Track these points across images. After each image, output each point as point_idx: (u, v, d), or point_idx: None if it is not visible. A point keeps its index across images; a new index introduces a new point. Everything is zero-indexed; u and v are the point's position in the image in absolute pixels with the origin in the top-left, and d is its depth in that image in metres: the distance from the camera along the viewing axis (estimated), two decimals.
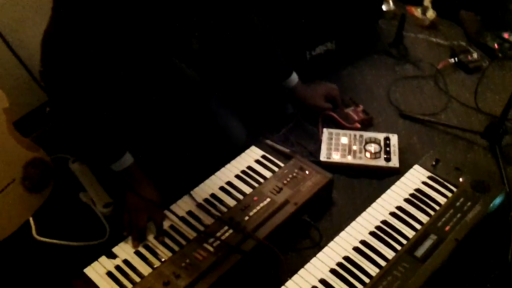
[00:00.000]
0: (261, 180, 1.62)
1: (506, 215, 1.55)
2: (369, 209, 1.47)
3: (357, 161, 1.78)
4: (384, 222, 1.44)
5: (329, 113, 1.94)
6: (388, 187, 1.60)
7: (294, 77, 1.91)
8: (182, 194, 1.58)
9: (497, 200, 1.48)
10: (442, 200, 1.50)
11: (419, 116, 2.07)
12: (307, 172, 1.64)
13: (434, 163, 1.62)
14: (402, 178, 1.57)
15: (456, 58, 2.38)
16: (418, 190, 1.54)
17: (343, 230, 1.43)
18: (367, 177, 1.78)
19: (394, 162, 1.78)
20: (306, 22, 1.99)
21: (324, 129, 1.90)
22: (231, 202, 1.54)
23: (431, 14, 2.64)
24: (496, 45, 2.45)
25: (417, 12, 2.64)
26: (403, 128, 2.02)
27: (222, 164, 1.68)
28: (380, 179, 1.78)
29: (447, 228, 1.41)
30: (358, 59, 2.38)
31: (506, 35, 2.52)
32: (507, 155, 1.87)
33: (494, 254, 1.47)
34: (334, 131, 1.90)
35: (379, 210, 1.47)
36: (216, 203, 1.54)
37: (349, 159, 1.79)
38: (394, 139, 1.86)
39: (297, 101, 1.94)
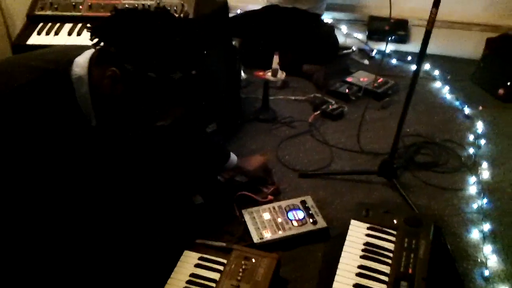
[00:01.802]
0: (212, 284, 1.52)
1: (439, 240, 1.70)
2: (337, 278, 1.48)
3: (288, 233, 1.79)
4: (356, 285, 1.46)
5: (242, 192, 1.93)
6: (321, 249, 1.69)
7: (232, 159, 1.93)
8: None
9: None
10: (390, 246, 1.59)
11: (317, 172, 2.17)
12: (253, 260, 1.58)
13: (365, 213, 1.70)
14: (348, 237, 1.62)
15: (320, 110, 2.57)
16: (366, 243, 1.60)
17: None
18: (301, 244, 1.79)
19: (321, 222, 1.83)
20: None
21: (243, 211, 1.88)
22: None
23: (281, 74, 2.83)
24: (347, 89, 2.73)
25: (268, 75, 2.80)
26: (307, 187, 2.10)
27: None
28: (314, 243, 1.80)
29: (410, 270, 1.48)
30: (237, 132, 2.42)
31: (349, 79, 2.83)
32: (403, 185, 2.06)
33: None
34: (253, 210, 1.89)
35: (346, 275, 1.49)
36: None
37: (281, 233, 1.79)
38: (309, 200, 1.93)
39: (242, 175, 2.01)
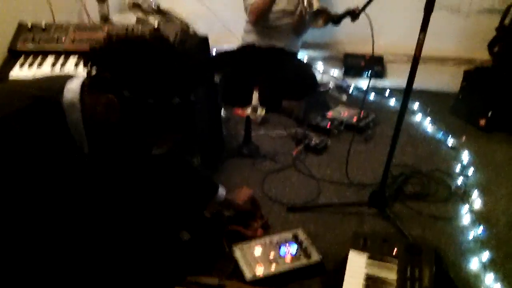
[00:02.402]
0: None
1: (441, 268, 1.64)
2: None
3: (282, 268, 1.69)
4: None
5: (233, 227, 1.84)
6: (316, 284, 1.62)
7: (221, 192, 1.85)
8: None
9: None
10: (393, 276, 1.51)
11: (305, 205, 2.10)
12: None
13: (363, 242, 1.63)
14: (348, 268, 1.54)
15: (303, 144, 2.53)
16: (368, 275, 1.52)
17: None
18: (295, 280, 1.69)
19: (315, 256, 1.74)
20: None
21: (233, 247, 1.77)
22: None
23: (260, 112, 2.80)
24: (328, 124, 2.70)
25: (248, 111, 2.76)
26: (297, 221, 2.02)
27: None
28: (308, 278, 1.71)
29: None
30: (220, 167, 2.34)
31: (329, 114, 2.81)
32: (394, 215, 2.01)
33: None
34: (243, 245, 1.79)
35: None
36: None
37: (273, 269, 1.69)
38: (301, 233, 1.84)
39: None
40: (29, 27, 2.05)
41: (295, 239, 1.81)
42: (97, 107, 1.16)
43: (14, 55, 2.01)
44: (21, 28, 2.05)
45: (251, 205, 1.93)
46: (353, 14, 1.96)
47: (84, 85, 1.20)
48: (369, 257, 1.58)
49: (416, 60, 1.72)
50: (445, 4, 3.29)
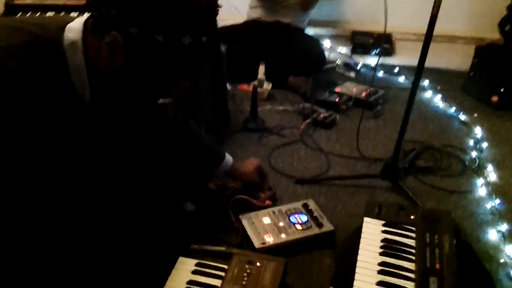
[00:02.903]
0: None
1: (460, 236, 1.57)
2: (357, 276, 1.31)
3: (292, 237, 1.62)
4: (380, 283, 1.29)
5: (240, 196, 1.77)
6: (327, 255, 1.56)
7: (227, 161, 1.78)
8: None
9: None
10: (411, 242, 1.44)
11: (315, 178, 2.03)
12: (258, 264, 1.41)
13: (377, 210, 1.56)
14: (363, 235, 1.47)
15: (310, 119, 2.45)
16: (385, 240, 1.45)
17: None
18: (306, 250, 1.62)
19: (327, 225, 1.68)
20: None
21: (240, 216, 1.70)
22: None
23: (266, 86, 2.72)
24: (337, 99, 2.62)
25: (253, 84, 2.67)
26: (306, 194, 1.95)
27: None
28: (319, 249, 1.64)
29: (437, 265, 1.33)
30: (225, 142, 2.27)
31: (337, 90, 2.74)
32: (408, 188, 1.94)
33: None
34: (251, 214, 1.72)
35: (367, 273, 1.32)
36: None
37: (284, 237, 1.62)
38: (312, 204, 1.78)
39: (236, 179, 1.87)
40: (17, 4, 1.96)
41: (305, 208, 1.75)
42: (102, 48, 1.07)
43: (11, 11, 1.92)
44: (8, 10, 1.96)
45: (258, 176, 1.86)
46: None
47: (87, 24, 1.10)
48: (385, 224, 1.50)
49: (433, 19, 1.63)
50: None
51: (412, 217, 1.53)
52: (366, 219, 1.53)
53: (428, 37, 1.69)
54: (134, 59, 1.07)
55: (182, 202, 1.78)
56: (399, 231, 1.48)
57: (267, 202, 1.82)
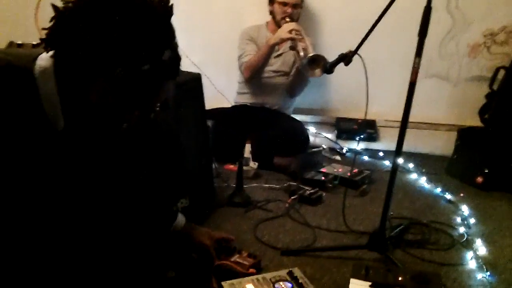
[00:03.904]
0: None
1: None
2: None
3: None
4: None
5: (223, 262, 1.71)
6: None
7: (181, 218, 1.72)
8: None
9: None
10: None
11: (301, 249, 1.99)
12: None
13: (364, 272, 1.51)
14: None
15: (297, 195, 2.45)
16: None
17: None
18: None
19: None
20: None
21: (223, 283, 1.64)
22: None
23: (252, 165, 2.74)
24: (322, 177, 2.64)
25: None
26: (291, 264, 1.89)
27: None
28: None
29: None
30: (209, 215, 2.24)
31: (323, 170, 2.77)
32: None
33: None
34: (234, 281, 1.66)
35: None
36: None
37: None
38: (297, 272, 1.72)
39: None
40: (19, 43, 2.03)
41: (291, 276, 1.69)
42: (91, 93, 1.09)
43: None
44: (11, 46, 2.03)
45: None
46: (346, 58, 1.98)
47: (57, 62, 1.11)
48: (372, 285, 1.45)
49: (412, 86, 1.71)
50: (434, 73, 3.38)
51: (400, 278, 1.48)
52: (352, 280, 1.48)
53: (405, 119, 1.74)
54: (122, 93, 1.09)
55: (164, 270, 1.71)
56: None
57: (251, 270, 1.76)
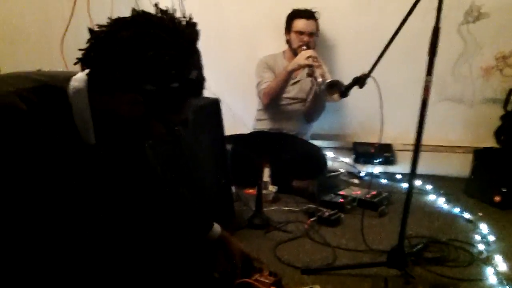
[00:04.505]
0: None
1: None
2: None
3: None
4: None
5: (245, 280, 1.75)
6: None
7: (216, 226, 1.77)
8: None
9: None
10: None
11: (321, 267, 2.03)
12: None
13: (384, 285, 1.55)
14: None
15: (316, 216, 2.50)
16: None
17: None
18: None
19: None
20: None
21: None
22: None
23: (271, 188, 2.80)
24: (341, 199, 2.69)
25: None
26: (311, 283, 1.93)
27: None
28: None
29: None
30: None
31: (342, 192, 2.81)
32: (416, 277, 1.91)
33: None
34: None
35: None
36: None
37: None
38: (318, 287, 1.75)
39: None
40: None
41: None
42: (121, 106, 1.17)
43: None
44: None
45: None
46: (360, 80, 2.05)
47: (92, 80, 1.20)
48: None
49: (424, 103, 1.77)
50: (448, 96, 3.43)
51: None
52: None
53: (419, 136, 1.79)
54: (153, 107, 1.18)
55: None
56: None
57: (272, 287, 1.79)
